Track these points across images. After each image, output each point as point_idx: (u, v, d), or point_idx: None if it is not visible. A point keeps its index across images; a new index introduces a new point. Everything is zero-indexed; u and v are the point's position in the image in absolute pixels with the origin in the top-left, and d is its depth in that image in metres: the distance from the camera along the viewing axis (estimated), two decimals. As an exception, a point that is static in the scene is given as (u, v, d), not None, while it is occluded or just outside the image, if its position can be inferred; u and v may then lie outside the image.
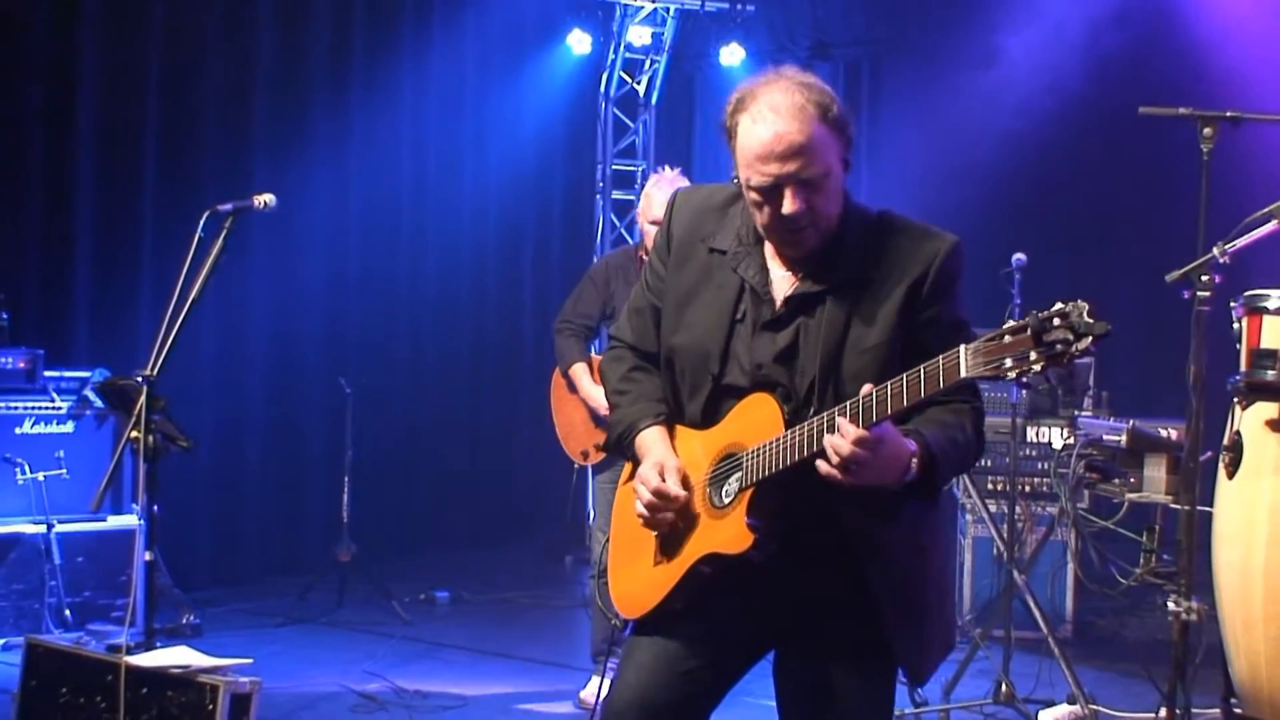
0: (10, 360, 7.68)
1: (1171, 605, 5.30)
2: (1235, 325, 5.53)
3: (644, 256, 6.60)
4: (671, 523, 3.51)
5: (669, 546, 3.54)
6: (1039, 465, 8.15)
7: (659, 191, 6.55)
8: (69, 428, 7.83)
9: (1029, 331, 2.92)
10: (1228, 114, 5.28)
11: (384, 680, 7.27)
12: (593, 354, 7.04)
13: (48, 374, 7.79)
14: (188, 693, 4.98)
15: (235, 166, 9.56)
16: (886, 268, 3.40)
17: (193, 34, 9.45)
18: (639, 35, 12.33)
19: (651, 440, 3.60)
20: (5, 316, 7.86)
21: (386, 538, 10.23)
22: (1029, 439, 8.22)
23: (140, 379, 5.24)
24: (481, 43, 11.65)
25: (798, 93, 3.33)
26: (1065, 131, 10.72)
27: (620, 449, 3.73)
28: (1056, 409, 8.22)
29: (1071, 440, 7.13)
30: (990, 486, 8.26)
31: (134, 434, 5.21)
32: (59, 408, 7.79)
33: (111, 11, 9.03)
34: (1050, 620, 7.05)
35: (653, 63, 12.57)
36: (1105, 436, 6.77)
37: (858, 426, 3.13)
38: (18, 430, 7.67)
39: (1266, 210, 5.18)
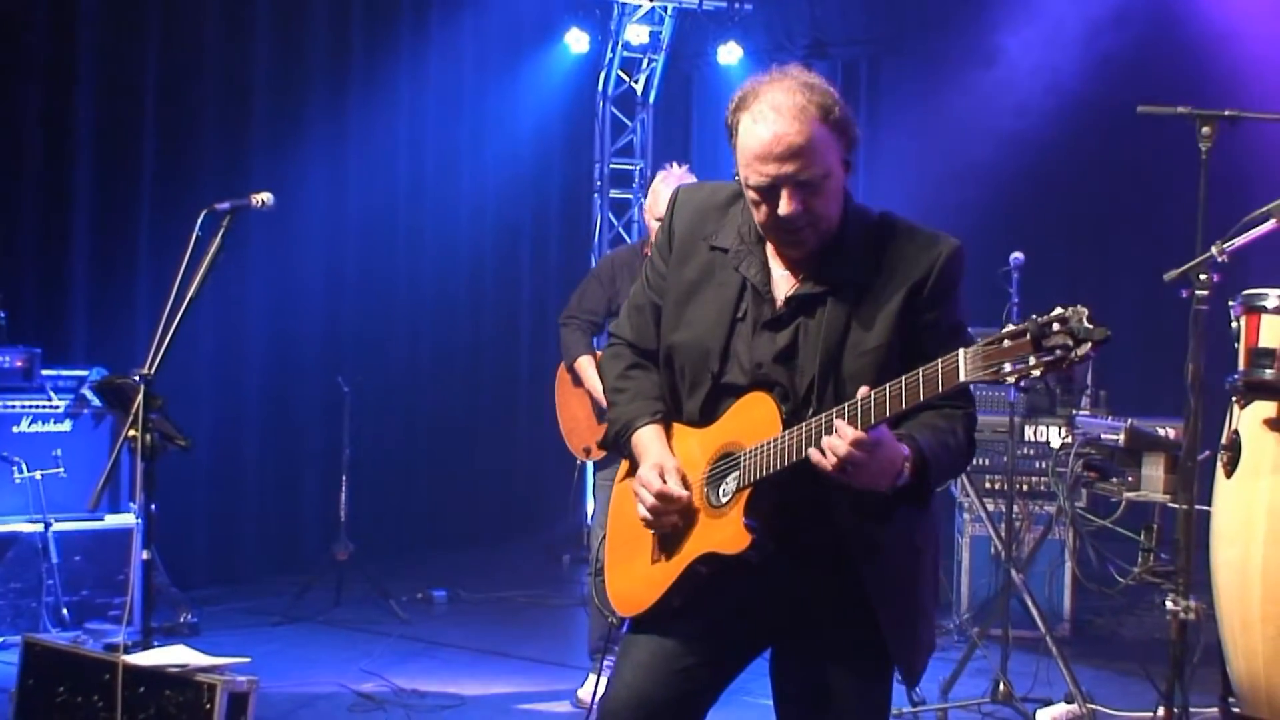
0: (8, 359, 7.67)
1: (1169, 604, 5.29)
2: (1233, 324, 5.53)
3: (649, 253, 6.60)
4: (675, 522, 3.51)
5: (666, 545, 3.54)
6: (1037, 464, 8.16)
7: (666, 188, 6.54)
8: (66, 426, 7.82)
9: (1028, 336, 2.91)
10: (1226, 113, 5.28)
11: (381, 679, 7.27)
12: (596, 349, 7.04)
13: (45, 373, 7.77)
14: (185, 692, 4.98)
15: (233, 165, 9.55)
16: (887, 270, 3.40)
17: (190, 33, 9.43)
18: (637, 34, 12.34)
19: (648, 439, 3.60)
20: (3, 315, 7.85)
21: (384, 537, 10.24)
22: (1027, 438, 8.23)
23: (138, 378, 5.24)
24: (479, 41, 11.64)
25: (800, 93, 3.32)
26: (1063, 131, 10.72)
27: (617, 447, 3.73)
28: (1054, 408, 8.22)
29: (1070, 439, 7.13)
30: (988, 485, 8.27)
31: (131, 433, 5.21)
32: (56, 406, 7.78)
33: (110, 11, 9.02)
34: (1048, 619, 7.06)
35: (650, 61, 12.57)
36: (1103, 435, 6.77)
37: (855, 428, 3.14)
38: (15, 429, 7.65)
39: (1265, 209, 5.17)
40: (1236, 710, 5.59)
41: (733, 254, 3.53)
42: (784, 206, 3.33)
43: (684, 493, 3.48)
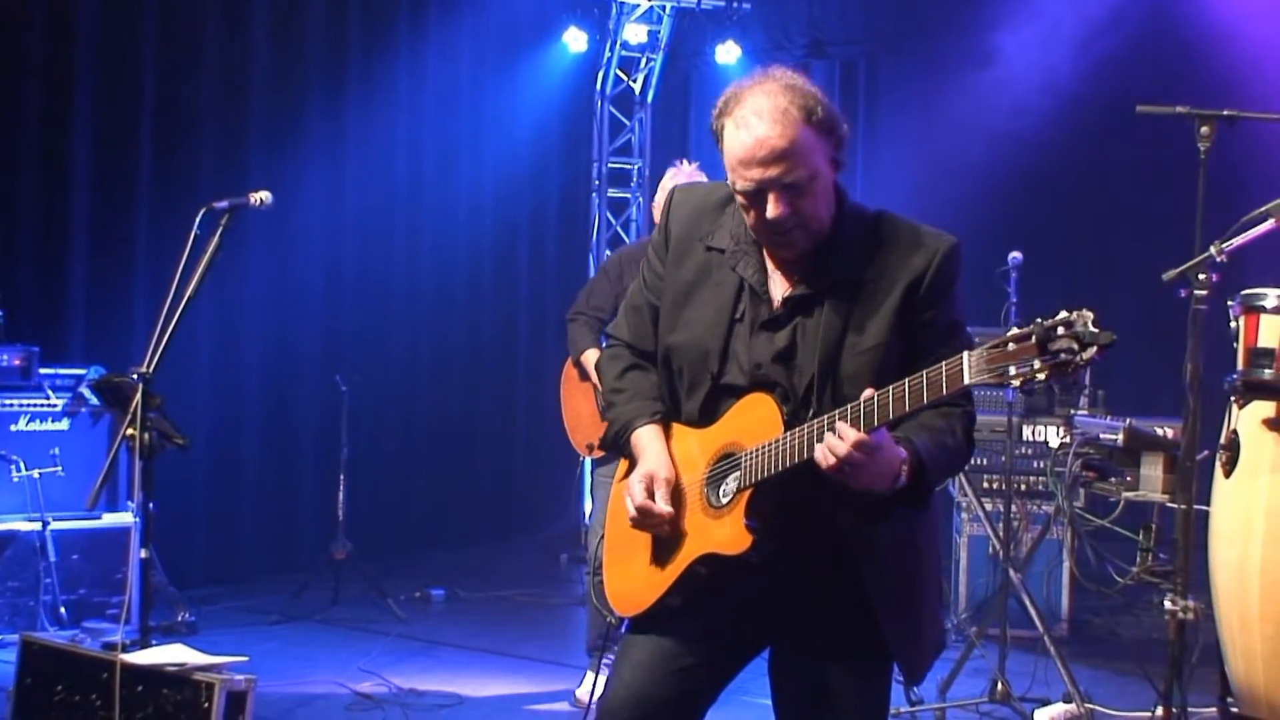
0: (6, 357, 7.66)
1: (1168, 604, 5.29)
2: (1232, 324, 5.52)
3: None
4: (660, 531, 3.51)
5: (665, 546, 3.54)
6: (1035, 464, 8.16)
7: (676, 185, 6.51)
8: (64, 425, 7.82)
9: (1034, 340, 2.91)
10: (1225, 113, 5.28)
11: (379, 678, 7.27)
12: (603, 344, 7.02)
13: (43, 371, 7.77)
14: (183, 690, 4.98)
15: (231, 164, 9.54)
16: (884, 269, 3.40)
17: (188, 32, 9.43)
18: (635, 33, 12.33)
19: (647, 440, 3.60)
20: (1, 313, 7.84)
21: (382, 536, 10.24)
22: (1025, 437, 8.23)
23: (136, 376, 5.24)
24: (477, 40, 11.64)
25: (781, 95, 3.32)
26: (1062, 130, 10.72)
27: (616, 447, 3.72)
28: (1053, 407, 8.22)
29: (1068, 439, 7.12)
30: (986, 485, 8.26)
31: (130, 431, 5.21)
32: (54, 405, 7.77)
33: (108, 10, 9.01)
34: (1046, 619, 7.06)
35: (649, 61, 12.56)
36: (1102, 435, 6.77)
37: (859, 429, 3.14)
38: (13, 427, 7.65)
39: (1264, 209, 5.17)
40: (1235, 710, 5.59)
41: (729, 255, 3.53)
42: (771, 210, 3.33)
43: (667, 510, 3.48)
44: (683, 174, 6.77)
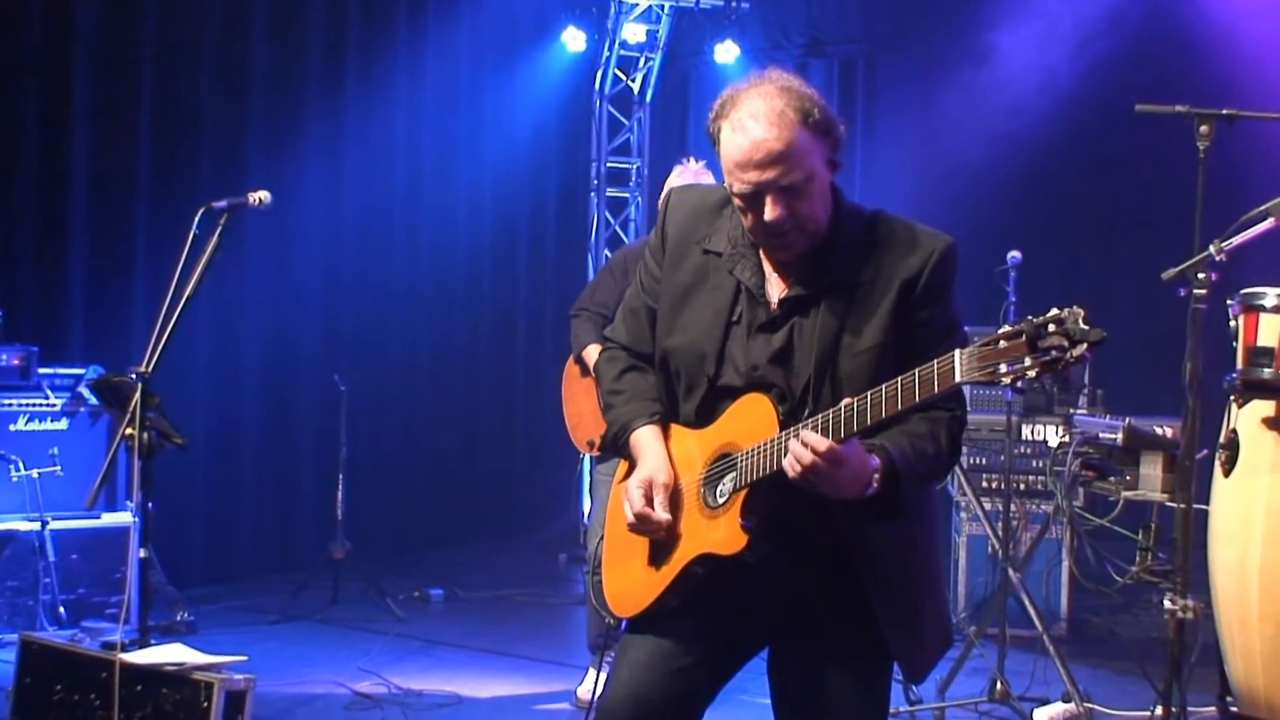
0: (4, 357, 7.66)
1: (1167, 603, 5.29)
2: (1232, 323, 5.53)
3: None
4: (658, 534, 3.51)
5: (663, 546, 3.54)
6: (1034, 463, 8.15)
7: (682, 183, 6.50)
8: (63, 425, 7.81)
9: (1024, 337, 2.91)
10: (1224, 112, 5.28)
11: (378, 678, 7.26)
12: None
13: (42, 371, 7.77)
14: (182, 690, 4.98)
15: (230, 163, 9.54)
16: (881, 269, 3.40)
17: (188, 31, 9.43)
18: (634, 32, 12.32)
19: (646, 441, 3.60)
20: (0, 313, 7.84)
21: (381, 535, 10.24)
22: (1024, 437, 8.23)
23: (135, 376, 5.23)
24: (476, 40, 11.64)
25: (778, 98, 3.32)
26: (1061, 129, 10.72)
27: (616, 449, 3.72)
28: (1052, 407, 8.22)
29: (1067, 438, 7.12)
30: (985, 484, 8.26)
31: (129, 431, 5.20)
32: (53, 405, 7.77)
33: (107, 8, 9.01)
34: (1045, 618, 7.05)
35: (647, 60, 12.56)
36: (1101, 434, 6.77)
37: (837, 435, 3.15)
38: (12, 427, 7.65)
39: (1263, 208, 5.17)
40: (1234, 709, 5.59)
41: (726, 257, 3.53)
42: (768, 212, 3.33)
43: (665, 517, 3.48)
44: (689, 172, 6.76)
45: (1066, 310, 2.90)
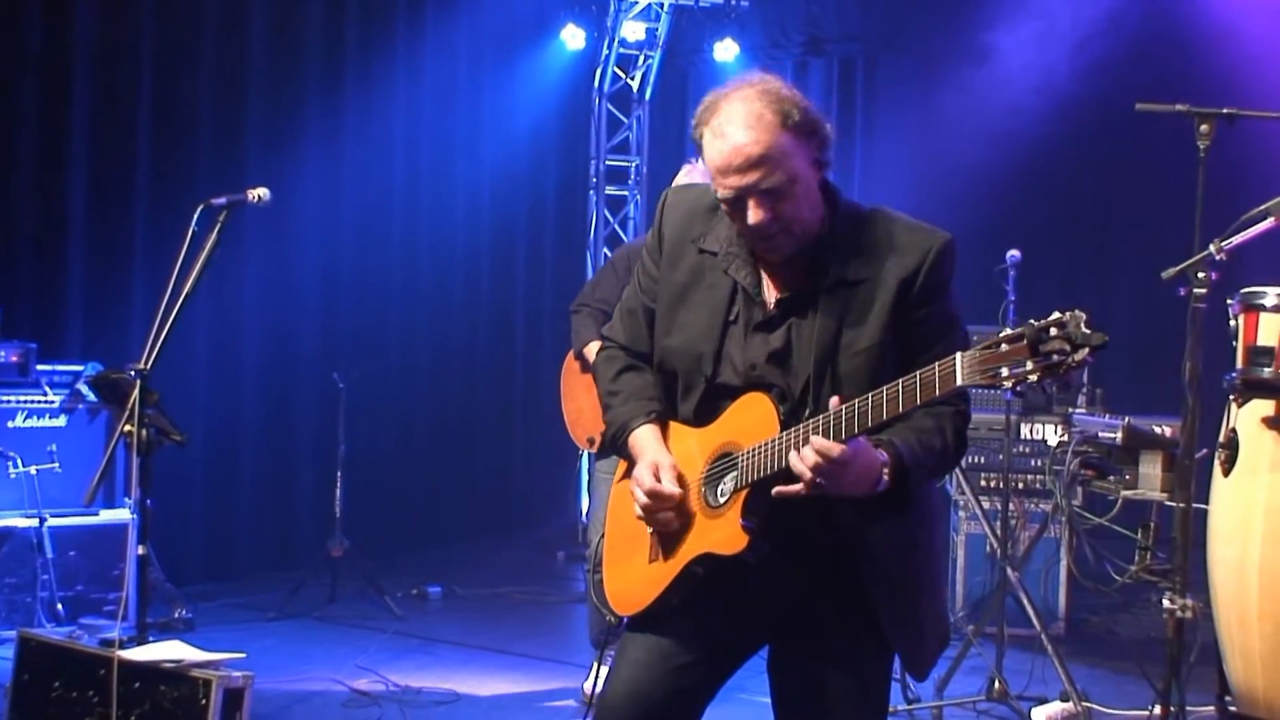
0: (3, 354, 7.65)
1: (1166, 603, 5.29)
2: (1231, 322, 5.53)
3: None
4: (671, 520, 3.50)
5: (663, 545, 3.54)
6: (1033, 462, 8.14)
7: (687, 183, 6.49)
8: (62, 421, 7.81)
9: (1025, 341, 2.91)
10: (1224, 111, 5.27)
11: (376, 675, 7.26)
12: None
13: (40, 367, 7.76)
14: (180, 687, 4.98)
15: (229, 161, 9.54)
16: (878, 266, 3.40)
17: (186, 27, 9.42)
18: (633, 30, 12.31)
19: (645, 439, 3.60)
20: (-1, 310, 7.85)
21: (379, 533, 10.22)
22: (1023, 435, 8.22)
23: (133, 373, 5.22)
24: (475, 37, 11.63)
25: (757, 101, 3.32)
26: (1060, 128, 10.72)
27: (615, 448, 3.73)
28: (1051, 406, 8.21)
29: (1067, 437, 7.12)
30: (984, 483, 8.25)
31: (127, 428, 5.19)
32: (52, 401, 7.77)
33: (105, 7, 9.00)
34: (1043, 617, 7.05)
35: (647, 58, 12.55)
36: (1100, 433, 6.77)
37: (840, 436, 3.15)
38: (10, 424, 7.64)
39: (1263, 207, 5.16)
40: (1233, 709, 5.59)
41: (722, 257, 3.53)
42: (751, 216, 3.33)
43: (676, 490, 3.48)
44: (696, 172, 6.74)
45: (1068, 313, 2.89)
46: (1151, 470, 6.50)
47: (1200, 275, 5.12)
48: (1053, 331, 2.89)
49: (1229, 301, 5.53)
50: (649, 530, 3.56)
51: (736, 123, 3.30)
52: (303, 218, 10.02)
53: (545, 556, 11.07)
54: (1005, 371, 2.93)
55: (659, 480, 3.48)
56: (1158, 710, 5.42)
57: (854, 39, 12.31)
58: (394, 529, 10.74)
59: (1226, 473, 5.49)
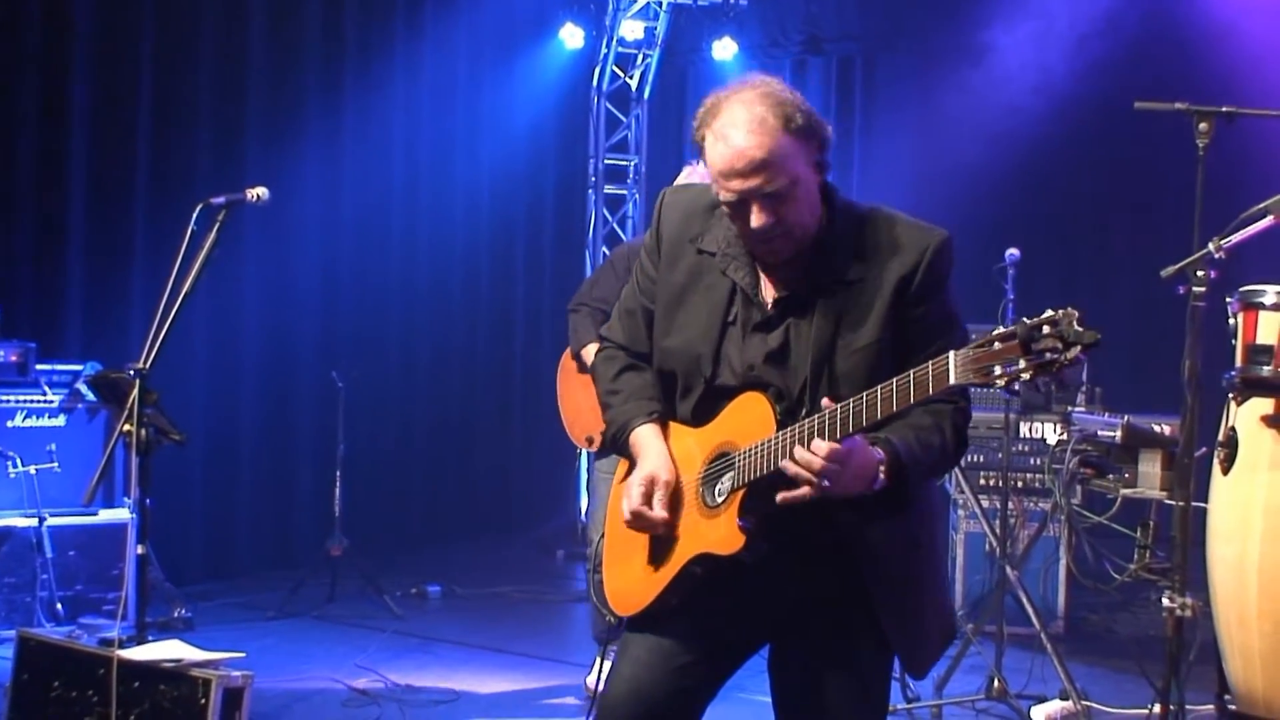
0: (2, 353, 7.65)
1: (1166, 601, 5.28)
2: (1231, 320, 5.53)
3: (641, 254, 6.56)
4: (657, 530, 3.50)
5: (662, 546, 3.54)
6: (1032, 460, 8.14)
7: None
8: (61, 421, 7.80)
9: (1018, 339, 2.90)
10: (1223, 109, 5.27)
11: (376, 674, 7.26)
12: None
13: (40, 367, 7.76)
14: (180, 687, 4.98)
15: (228, 160, 9.53)
16: (876, 265, 3.39)
17: (186, 29, 9.42)
18: (632, 29, 12.31)
19: (645, 440, 3.59)
20: (-2, 309, 7.85)
21: (378, 532, 10.23)
22: (1022, 434, 8.21)
23: (133, 372, 5.23)
24: (474, 37, 11.63)
25: (758, 104, 3.31)
26: (1060, 127, 10.73)
27: (616, 448, 3.72)
28: (1050, 404, 8.21)
29: (1066, 435, 7.12)
30: (983, 482, 8.25)
31: (126, 427, 5.20)
32: (51, 401, 7.76)
33: (105, 6, 9.00)
34: (1043, 616, 7.05)
35: (645, 57, 12.55)
36: (1100, 432, 6.77)
37: (834, 436, 3.15)
38: (9, 423, 7.64)
39: (1262, 205, 5.16)
40: (1232, 708, 5.59)
41: (720, 257, 3.52)
42: (754, 219, 3.33)
43: (662, 515, 3.48)
44: (697, 173, 6.73)
45: (1061, 311, 2.89)
46: (1151, 469, 6.50)
47: (1199, 274, 5.11)
48: (1045, 330, 2.89)
49: (1228, 300, 5.53)
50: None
51: (739, 126, 3.29)
52: (302, 217, 10.02)
53: (545, 555, 11.08)
54: (998, 370, 2.93)
55: (649, 500, 3.49)
56: (1157, 709, 5.42)
57: (853, 38, 12.31)
58: (393, 528, 10.75)
59: (1226, 471, 5.49)
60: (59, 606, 7.51)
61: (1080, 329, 2.86)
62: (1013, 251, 6.98)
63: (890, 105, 12.22)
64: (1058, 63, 10.60)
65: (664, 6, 12.23)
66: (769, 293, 3.46)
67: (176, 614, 7.96)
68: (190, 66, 9.47)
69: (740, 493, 3.35)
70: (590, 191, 12.58)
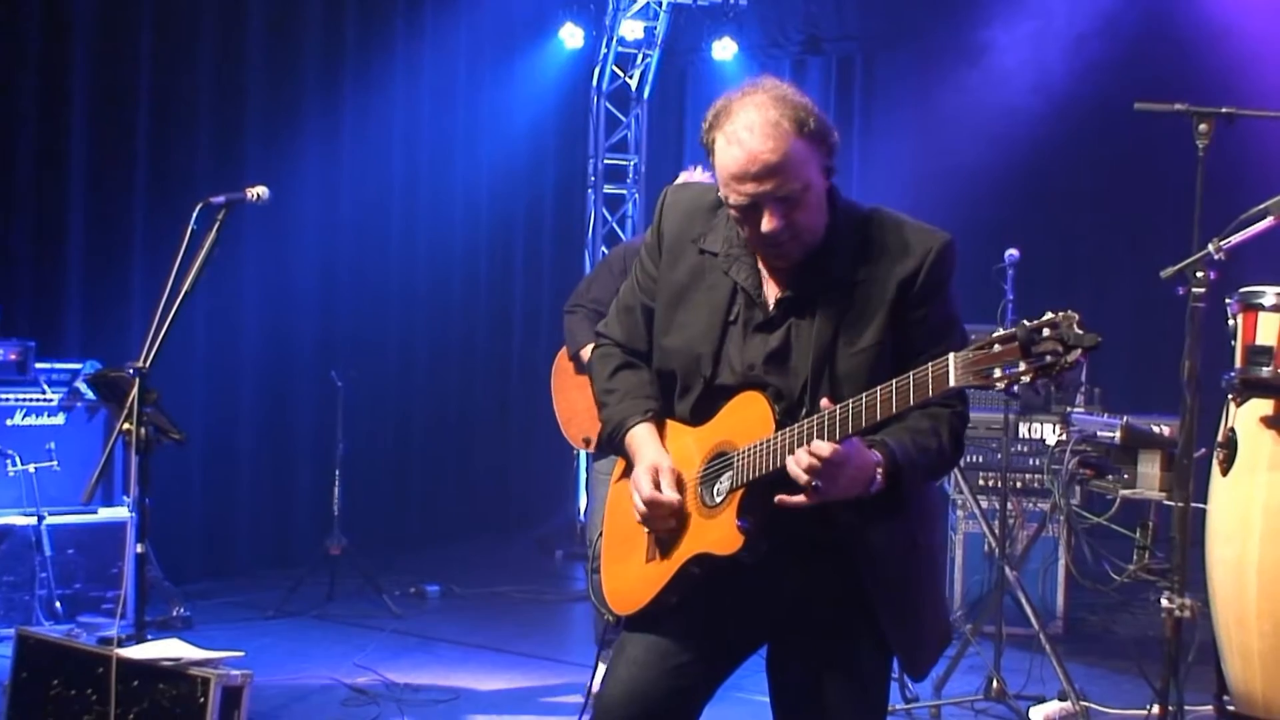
0: (1, 352, 7.66)
1: (1165, 602, 5.28)
2: (1230, 321, 5.53)
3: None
4: (669, 526, 3.50)
5: (661, 545, 3.54)
6: (1031, 461, 8.14)
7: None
8: (60, 419, 7.81)
9: (1017, 342, 2.90)
10: (1223, 110, 5.27)
11: (374, 673, 7.26)
12: None
13: (39, 365, 7.76)
14: (179, 685, 4.97)
15: (228, 159, 9.54)
16: (877, 267, 3.39)
17: (185, 26, 9.42)
18: (631, 29, 12.31)
19: (642, 438, 3.59)
20: (-2, 308, 7.85)
21: (377, 531, 10.23)
22: (1021, 435, 8.20)
23: (132, 371, 5.23)
24: (473, 36, 11.63)
25: (772, 108, 3.29)
26: (1059, 127, 10.72)
27: (612, 447, 3.72)
28: (1049, 405, 8.20)
29: (1065, 436, 7.12)
30: (982, 482, 8.24)
31: (126, 426, 5.20)
32: (50, 399, 7.76)
33: (104, 5, 9.00)
34: (1041, 616, 7.04)
35: (645, 57, 12.55)
36: (1099, 432, 6.78)
37: (834, 437, 3.15)
38: (9, 422, 7.64)
39: (1262, 206, 5.16)
40: (1231, 708, 5.59)
41: (722, 257, 3.52)
42: (766, 224, 3.31)
43: (675, 497, 3.47)
44: (694, 178, 6.74)
45: (1061, 314, 2.88)
46: (1150, 469, 6.50)
47: (1199, 274, 5.11)
48: (1045, 332, 2.88)
49: (1228, 301, 5.53)
50: (646, 530, 3.56)
51: (753, 129, 3.28)
52: (301, 216, 10.02)
53: (543, 555, 11.08)
54: (998, 372, 2.93)
55: (658, 486, 3.48)
56: (1156, 710, 5.41)
57: (852, 38, 12.31)
58: (392, 527, 10.75)
59: (1225, 472, 5.49)
60: (58, 605, 7.52)
61: (1080, 332, 2.86)
62: (1012, 252, 6.97)
63: (890, 105, 12.22)
64: (1057, 63, 10.59)
65: (664, 6, 12.23)
66: (771, 293, 3.45)
67: (175, 613, 7.96)
68: (189, 65, 9.47)
69: (739, 493, 3.35)
70: (590, 191, 12.58)
